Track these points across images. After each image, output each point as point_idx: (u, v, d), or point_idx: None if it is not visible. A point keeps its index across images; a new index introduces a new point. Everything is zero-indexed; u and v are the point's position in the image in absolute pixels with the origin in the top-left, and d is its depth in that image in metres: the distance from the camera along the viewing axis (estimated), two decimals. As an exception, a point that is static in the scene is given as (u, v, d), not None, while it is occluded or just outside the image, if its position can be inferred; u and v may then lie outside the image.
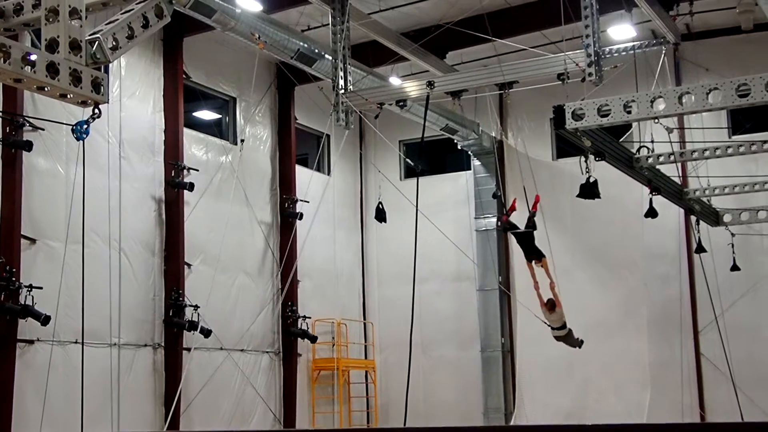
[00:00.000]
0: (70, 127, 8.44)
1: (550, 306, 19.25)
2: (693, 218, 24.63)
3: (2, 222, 19.25)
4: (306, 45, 22.82)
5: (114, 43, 8.01)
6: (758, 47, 24.93)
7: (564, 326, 19.69)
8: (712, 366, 26.23)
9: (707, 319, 25.79)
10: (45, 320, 18.89)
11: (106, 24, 8.07)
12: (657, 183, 21.39)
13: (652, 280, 27.39)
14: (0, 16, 9.12)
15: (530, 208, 19.55)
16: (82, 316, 15.77)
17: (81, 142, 8.79)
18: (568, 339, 20.11)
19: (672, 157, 21.12)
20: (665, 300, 27.09)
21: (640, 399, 26.82)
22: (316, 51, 23.02)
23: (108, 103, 8.13)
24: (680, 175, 24.79)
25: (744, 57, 25.11)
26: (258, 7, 21.86)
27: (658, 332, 27.04)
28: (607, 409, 26.90)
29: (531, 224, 19.35)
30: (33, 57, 7.34)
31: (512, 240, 29.04)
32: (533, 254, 19.23)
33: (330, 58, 22.04)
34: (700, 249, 24.23)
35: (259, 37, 20.86)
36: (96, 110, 7.97)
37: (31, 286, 19.06)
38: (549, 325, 19.77)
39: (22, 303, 18.95)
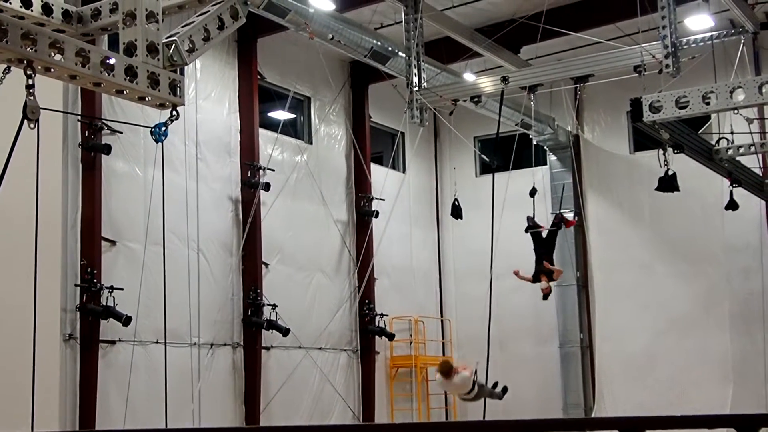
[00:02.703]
0: (149, 129, 8.51)
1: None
2: (774, 209, 24.24)
3: (83, 225, 19.53)
4: (379, 43, 22.82)
5: (190, 46, 8.06)
6: (839, 34, 24.46)
7: (472, 389, 17.91)
8: (795, 360, 25.85)
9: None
10: (126, 321, 19.16)
11: (183, 26, 8.12)
12: (737, 175, 21.06)
13: (733, 273, 26.97)
14: (78, 21, 9.25)
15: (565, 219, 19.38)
16: (164, 317, 15.93)
17: (159, 144, 8.86)
18: (482, 395, 18.52)
19: (752, 148, 20.77)
20: (747, 293, 26.64)
21: (722, 394, 26.42)
22: (390, 49, 23.00)
23: (185, 105, 8.19)
24: (761, 166, 24.38)
25: (825, 45, 24.67)
26: (331, 6, 21.89)
27: (740, 326, 26.62)
28: (688, 404, 26.55)
29: (557, 224, 19.08)
30: (111, 61, 7.43)
31: (590, 235, 29.03)
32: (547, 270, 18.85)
33: (403, 55, 22.03)
34: (783, 240, 23.87)
35: (307, 25, 20.73)
36: (174, 112, 8.04)
37: (112, 288, 19.34)
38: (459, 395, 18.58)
39: (104, 304, 19.24)
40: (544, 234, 20.03)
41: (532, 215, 20.78)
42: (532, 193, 20.85)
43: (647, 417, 5.75)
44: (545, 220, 29.36)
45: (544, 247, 19.44)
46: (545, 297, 19.27)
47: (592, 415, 28.21)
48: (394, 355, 28.59)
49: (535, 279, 19.17)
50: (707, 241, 27.24)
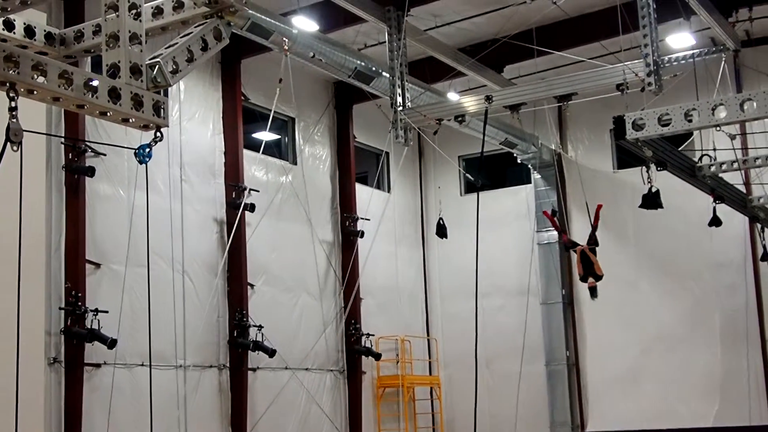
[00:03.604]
0: (133, 151, 8.49)
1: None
2: (758, 225, 24.28)
3: (67, 247, 19.46)
4: (363, 63, 22.89)
5: (174, 67, 8.04)
6: (819, 51, 24.60)
7: None
8: (781, 376, 25.92)
9: (775, 328, 25.48)
10: (111, 344, 19.07)
11: (166, 48, 8.11)
12: (720, 191, 21.12)
13: (718, 289, 27.08)
14: (61, 43, 9.24)
15: (592, 222, 19.20)
16: (149, 339, 15.86)
17: (143, 166, 8.83)
18: None
19: (735, 165, 20.84)
20: (732, 309, 26.77)
21: (709, 410, 26.48)
22: (374, 69, 23.07)
23: (168, 126, 8.18)
24: (744, 182, 24.46)
25: (806, 62, 24.81)
26: (314, 27, 21.98)
27: (726, 342, 26.72)
28: (675, 420, 26.60)
29: (593, 240, 18.96)
30: (95, 83, 7.41)
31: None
32: (592, 275, 18.73)
33: (387, 75, 22.09)
34: (766, 257, 23.90)
35: (284, 41, 20.77)
36: (158, 133, 8.02)
37: (96, 310, 19.25)
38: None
39: (89, 327, 19.14)
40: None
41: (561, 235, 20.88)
42: (554, 212, 20.81)
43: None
44: (529, 240, 29.61)
45: (585, 264, 19.25)
46: (592, 290, 19.04)
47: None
48: (380, 375, 28.55)
49: (584, 280, 18.99)
50: (692, 258, 27.36)
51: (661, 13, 19.78)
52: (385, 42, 22.12)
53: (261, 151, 23.64)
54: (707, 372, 26.76)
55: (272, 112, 22.48)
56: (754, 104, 14.93)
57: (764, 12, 23.96)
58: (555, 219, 20.61)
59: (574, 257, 19.14)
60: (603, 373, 28.44)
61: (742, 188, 23.85)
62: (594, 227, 19.02)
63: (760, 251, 24.45)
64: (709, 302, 27.22)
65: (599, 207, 19.31)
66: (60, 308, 19.08)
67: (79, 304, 19.20)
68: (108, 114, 7.58)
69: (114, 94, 7.48)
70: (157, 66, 7.86)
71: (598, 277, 18.45)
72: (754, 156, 22.00)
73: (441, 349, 30.94)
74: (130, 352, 20.03)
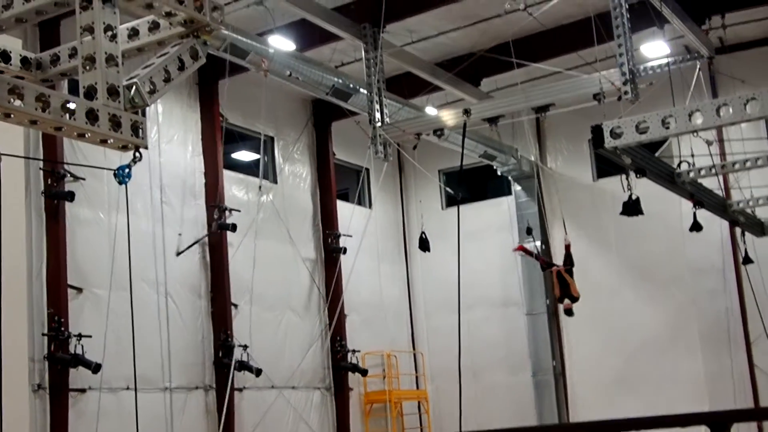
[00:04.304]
0: (112, 172, 8.50)
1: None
2: (738, 230, 24.40)
3: (49, 273, 19.41)
4: (340, 80, 22.95)
5: (151, 87, 8.07)
6: (792, 56, 24.78)
7: None
8: (766, 377, 25.95)
9: (758, 330, 25.48)
10: (96, 368, 19.01)
11: (143, 68, 8.14)
12: (700, 197, 21.21)
13: (700, 294, 27.18)
14: (37, 67, 9.25)
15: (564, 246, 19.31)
16: (134, 363, 15.83)
17: (123, 188, 8.86)
18: None
19: (713, 170, 20.94)
20: (715, 313, 26.86)
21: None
22: (351, 86, 23.13)
23: (147, 147, 8.20)
24: (722, 187, 24.59)
25: (779, 66, 24.97)
26: (291, 46, 22.04)
27: (710, 347, 26.80)
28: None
29: (569, 261, 19.02)
30: (72, 105, 7.43)
31: (559, 262, 29.03)
32: (569, 297, 18.81)
33: (365, 92, 22.16)
34: (747, 260, 24.01)
35: (263, 62, 20.86)
36: (137, 154, 8.04)
37: (80, 335, 19.21)
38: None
39: (73, 352, 19.09)
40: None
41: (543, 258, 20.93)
42: (528, 230, 20.84)
43: (620, 419, 5.78)
44: (511, 251, 29.57)
45: (562, 285, 19.36)
46: (567, 312, 19.24)
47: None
48: (368, 391, 28.50)
49: (560, 301, 19.18)
50: (673, 264, 27.46)
51: (635, 22, 19.90)
52: (361, 59, 22.19)
53: (243, 171, 23.62)
54: (693, 377, 26.82)
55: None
56: (730, 109, 15.05)
57: (737, 19, 24.12)
58: (528, 249, 20.62)
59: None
60: (590, 382, 28.48)
61: (721, 193, 23.97)
62: (567, 247, 19.08)
63: (740, 255, 24.53)
64: (691, 308, 27.31)
65: (567, 246, 19.61)
66: (43, 334, 19.01)
67: (62, 329, 19.13)
68: (86, 135, 7.60)
69: (92, 116, 7.50)
70: (134, 86, 7.89)
71: (574, 299, 18.55)
72: (731, 161, 22.14)
73: (427, 363, 30.93)
74: (114, 376, 19.94)
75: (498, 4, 21.15)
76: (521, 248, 20.75)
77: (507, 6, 19.83)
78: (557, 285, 18.74)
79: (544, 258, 19.41)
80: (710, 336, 26.84)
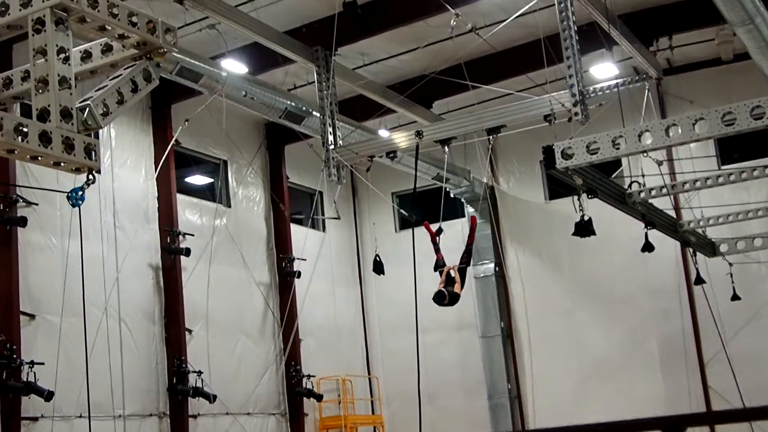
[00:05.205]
0: (66, 196, 8.46)
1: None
2: (690, 250, 24.59)
3: (1, 300, 19.22)
4: (293, 103, 22.98)
5: (104, 109, 8.05)
6: (740, 76, 24.98)
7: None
8: (720, 398, 26.08)
9: (712, 351, 25.75)
10: (48, 396, 18.80)
11: (96, 90, 8.13)
12: (651, 217, 21.39)
13: (655, 315, 27.39)
14: (-10, 90, 9.20)
15: (467, 240, 18.58)
16: (87, 390, 15.73)
17: (77, 214, 8.82)
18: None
19: (664, 190, 21.15)
20: (669, 334, 27.07)
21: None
22: (304, 109, 23.16)
23: (100, 173, 8.17)
24: (673, 207, 24.85)
25: (726, 87, 25.18)
26: (243, 70, 22.06)
27: (664, 367, 26.98)
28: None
29: (465, 259, 18.30)
30: (25, 128, 7.39)
31: (512, 285, 29.29)
32: (450, 293, 17.96)
33: (318, 114, 22.22)
34: (699, 280, 24.12)
35: (222, 87, 20.86)
36: (90, 176, 8.01)
37: (32, 363, 18.98)
38: None
39: (25, 380, 18.86)
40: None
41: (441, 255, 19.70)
42: (439, 232, 19.92)
43: (576, 426, 5.81)
44: (466, 273, 29.53)
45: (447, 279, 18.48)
46: (438, 295, 17.90)
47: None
48: (323, 417, 28.38)
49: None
50: (627, 285, 27.67)
51: (584, 44, 20.12)
52: (314, 82, 22.25)
53: (197, 195, 23.53)
54: (649, 397, 26.91)
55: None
56: (679, 129, 15.22)
57: (684, 40, 24.45)
58: (433, 234, 19.65)
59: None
60: (545, 405, 28.50)
61: (672, 213, 24.21)
62: (469, 244, 18.47)
63: (693, 275, 24.71)
64: (646, 328, 27.52)
65: (474, 220, 19.32)
66: (-6, 362, 18.79)
67: (14, 356, 18.91)
68: (39, 158, 7.57)
69: (45, 138, 7.47)
70: (87, 109, 7.87)
71: (455, 295, 17.66)
72: (682, 180, 22.37)
73: (383, 387, 30.88)
74: (67, 404, 19.76)
75: (448, 27, 21.27)
76: (427, 226, 19.60)
77: (452, 23, 19.93)
78: (443, 281, 17.99)
79: (441, 255, 18.61)
80: (665, 357, 27.04)
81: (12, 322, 19.25)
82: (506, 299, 29.59)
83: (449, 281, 17.64)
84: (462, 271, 17.79)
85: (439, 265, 18.14)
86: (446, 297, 17.26)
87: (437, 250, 18.33)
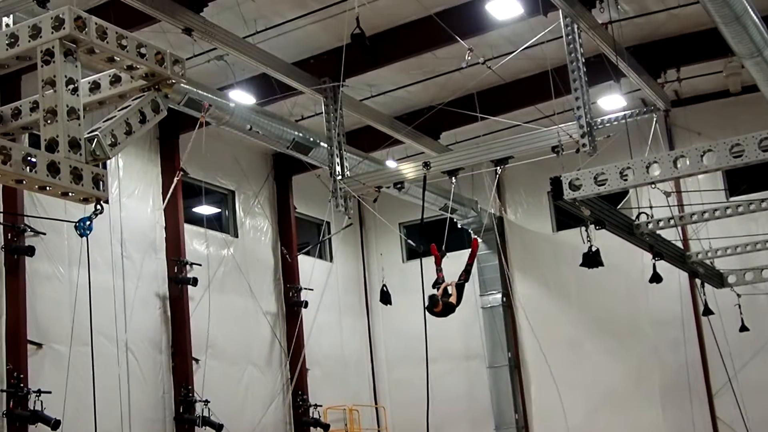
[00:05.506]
0: (73, 225, 8.48)
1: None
2: (698, 281, 24.54)
3: (8, 329, 19.23)
4: (301, 134, 23.02)
5: (113, 140, 8.09)
6: (747, 108, 24.94)
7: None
8: (729, 429, 26.00)
9: (720, 382, 25.64)
10: (55, 425, 18.75)
11: (104, 121, 8.16)
12: (659, 248, 21.36)
13: (661, 346, 27.30)
14: (-2, 121, 9.24)
15: (468, 260, 18.43)
16: (95, 419, 15.67)
17: (84, 243, 8.86)
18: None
19: (672, 221, 21.13)
20: (676, 365, 26.96)
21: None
22: (311, 139, 23.20)
23: (108, 203, 8.21)
24: (681, 238, 24.80)
25: (734, 119, 25.16)
26: (251, 100, 22.13)
27: (672, 398, 26.87)
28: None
29: (464, 277, 18.04)
30: (33, 158, 7.43)
31: (519, 316, 29.20)
32: (444, 302, 17.74)
33: (325, 145, 22.25)
34: (707, 312, 24.09)
35: (209, 107, 20.72)
36: (98, 206, 8.04)
37: (39, 391, 18.95)
38: None
39: (32, 409, 18.83)
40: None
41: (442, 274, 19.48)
42: (442, 255, 19.67)
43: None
44: (473, 303, 29.54)
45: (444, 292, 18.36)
46: (431, 299, 17.70)
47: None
48: (330, 446, 28.27)
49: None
50: (634, 316, 27.61)
51: (592, 76, 20.19)
52: (321, 113, 22.30)
53: (204, 225, 23.56)
54: (657, 429, 26.84)
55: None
56: (687, 161, 15.19)
57: (692, 72, 24.48)
58: (438, 259, 19.52)
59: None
60: (552, 435, 28.43)
61: (680, 244, 24.17)
62: (469, 264, 18.35)
63: (701, 306, 24.66)
64: (653, 359, 27.43)
65: (475, 241, 19.23)
66: (2, 390, 18.79)
67: (21, 385, 18.90)
68: (47, 188, 7.59)
69: (53, 169, 7.50)
70: (95, 139, 7.90)
71: (449, 305, 17.43)
72: (690, 212, 22.37)
73: (389, 417, 30.78)
74: (74, 433, 19.70)
75: (456, 59, 21.35)
76: (434, 249, 19.44)
77: (467, 58, 19.96)
78: (440, 293, 17.85)
79: (443, 274, 18.39)
80: (672, 388, 26.92)
81: (19, 351, 19.24)
82: (513, 330, 29.54)
83: (445, 294, 17.54)
84: (460, 288, 17.59)
85: (438, 282, 18.04)
86: (439, 303, 17.06)
87: (439, 270, 18.24)
